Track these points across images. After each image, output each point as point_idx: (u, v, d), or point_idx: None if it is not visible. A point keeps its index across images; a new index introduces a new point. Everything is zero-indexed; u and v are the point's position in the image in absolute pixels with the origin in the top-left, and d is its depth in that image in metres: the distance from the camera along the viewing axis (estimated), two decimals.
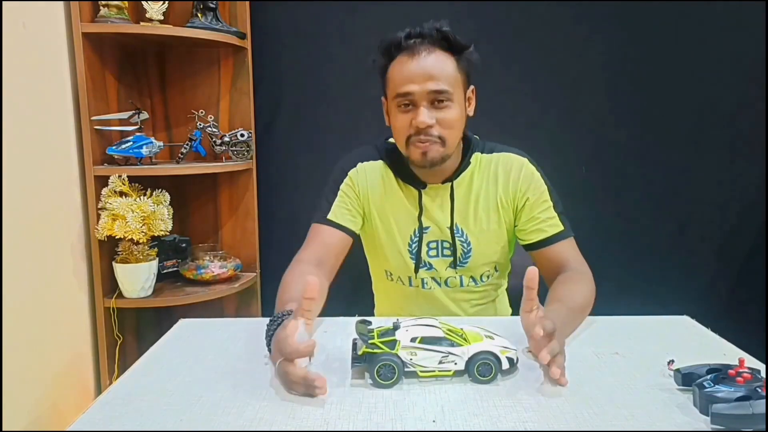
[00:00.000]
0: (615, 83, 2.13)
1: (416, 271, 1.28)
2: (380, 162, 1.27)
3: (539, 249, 1.22)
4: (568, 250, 1.21)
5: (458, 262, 1.27)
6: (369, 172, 1.26)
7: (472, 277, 1.29)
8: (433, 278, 1.29)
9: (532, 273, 0.90)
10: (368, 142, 1.33)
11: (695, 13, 2.06)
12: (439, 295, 1.30)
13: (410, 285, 1.30)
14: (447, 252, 1.27)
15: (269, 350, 0.92)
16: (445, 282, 1.29)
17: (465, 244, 1.25)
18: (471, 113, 1.21)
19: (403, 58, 1.13)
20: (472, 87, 1.20)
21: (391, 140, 1.28)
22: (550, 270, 1.20)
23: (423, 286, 1.30)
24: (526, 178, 1.23)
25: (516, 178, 1.23)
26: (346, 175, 1.26)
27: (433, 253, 1.27)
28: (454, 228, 1.25)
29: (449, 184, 1.23)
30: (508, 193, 1.24)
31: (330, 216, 1.22)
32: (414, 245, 1.26)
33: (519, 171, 1.24)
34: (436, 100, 1.12)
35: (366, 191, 1.26)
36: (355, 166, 1.27)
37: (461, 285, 1.30)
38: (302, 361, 0.82)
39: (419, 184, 1.24)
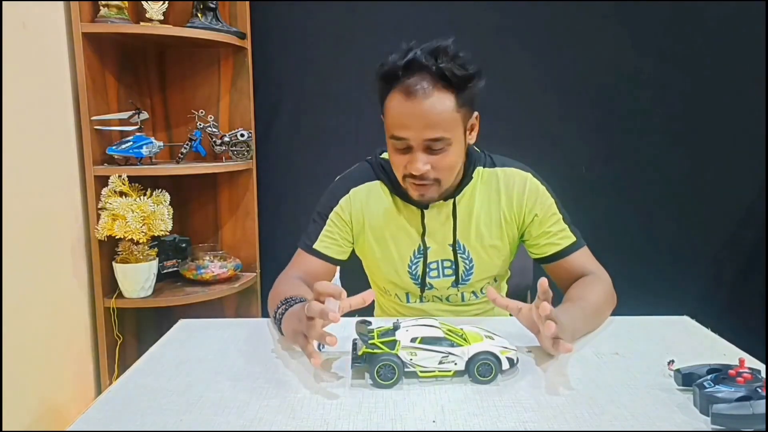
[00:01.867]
0: (614, 84, 2.13)
1: (422, 292, 1.25)
2: (377, 182, 1.23)
3: (554, 262, 1.20)
4: (583, 258, 1.19)
5: (460, 281, 1.23)
6: (363, 196, 1.22)
7: (473, 292, 1.27)
8: (434, 296, 1.27)
9: (543, 284, 0.89)
10: (367, 143, 1.32)
11: (695, 14, 2.06)
12: (438, 310, 1.28)
13: (408, 302, 1.28)
14: (448, 272, 1.23)
15: (280, 331, 1.00)
16: (447, 298, 1.27)
17: (467, 261, 1.22)
18: (472, 141, 1.14)
19: (399, 96, 1.04)
20: (476, 114, 1.12)
21: (386, 155, 1.24)
22: (567, 281, 1.18)
23: (421, 301, 1.28)
24: (532, 194, 1.20)
25: (520, 194, 1.20)
26: (337, 202, 1.22)
27: (434, 273, 1.23)
28: (456, 245, 1.21)
29: (451, 200, 1.19)
30: (512, 208, 1.20)
31: (316, 246, 1.20)
32: (415, 266, 1.23)
33: (523, 186, 1.20)
34: (433, 147, 1.06)
35: (360, 216, 1.22)
36: (347, 192, 1.22)
37: (462, 300, 1.28)
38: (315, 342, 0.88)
39: (421, 204, 1.19)
